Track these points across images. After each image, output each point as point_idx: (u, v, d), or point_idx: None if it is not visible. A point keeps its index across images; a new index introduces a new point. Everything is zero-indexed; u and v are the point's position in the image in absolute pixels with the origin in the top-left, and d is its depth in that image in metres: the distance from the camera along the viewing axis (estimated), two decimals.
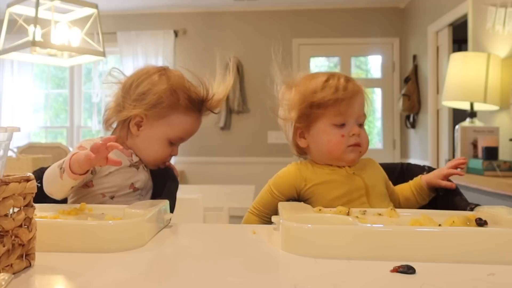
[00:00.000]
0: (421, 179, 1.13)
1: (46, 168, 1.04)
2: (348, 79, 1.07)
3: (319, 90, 1.05)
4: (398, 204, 1.15)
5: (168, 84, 1.09)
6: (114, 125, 1.17)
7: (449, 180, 1.10)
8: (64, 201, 1.11)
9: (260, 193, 1.13)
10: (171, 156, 1.14)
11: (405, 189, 1.16)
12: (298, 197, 1.08)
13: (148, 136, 1.10)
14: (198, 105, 1.12)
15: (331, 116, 1.05)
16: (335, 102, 1.04)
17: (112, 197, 1.09)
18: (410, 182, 1.16)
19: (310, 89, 1.06)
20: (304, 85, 1.07)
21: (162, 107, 1.08)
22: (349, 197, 1.04)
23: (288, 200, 1.09)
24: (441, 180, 1.10)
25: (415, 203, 1.14)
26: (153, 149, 1.11)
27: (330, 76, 1.07)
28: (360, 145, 1.07)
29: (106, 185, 1.08)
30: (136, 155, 1.14)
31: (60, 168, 0.95)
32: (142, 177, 1.14)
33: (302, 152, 1.13)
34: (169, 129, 1.10)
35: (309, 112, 1.06)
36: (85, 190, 1.08)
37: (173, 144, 1.13)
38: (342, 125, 1.06)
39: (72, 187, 0.98)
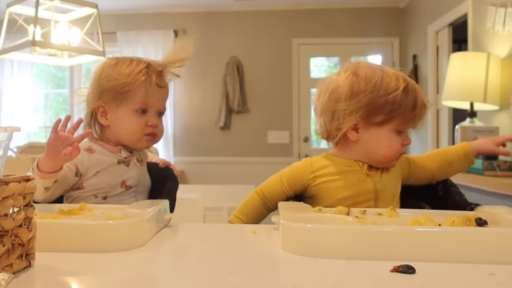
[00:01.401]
0: (470, 147, 1.13)
1: None
2: (419, 90, 1.05)
3: (399, 96, 1.00)
4: (430, 176, 1.14)
5: (104, 69, 1.12)
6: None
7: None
8: (63, 201, 1.11)
9: (270, 178, 1.11)
10: (150, 126, 1.11)
11: (450, 153, 1.15)
12: (305, 192, 1.08)
13: (117, 118, 1.11)
14: (143, 71, 1.10)
15: (398, 123, 1.03)
16: (409, 112, 1.02)
17: (104, 198, 1.09)
18: (457, 147, 1.15)
19: (386, 90, 1.01)
20: (380, 83, 1.01)
21: (114, 88, 1.09)
22: (356, 199, 1.03)
23: (294, 193, 1.09)
24: (495, 146, 1.10)
25: (455, 169, 1.14)
26: (125, 126, 1.10)
27: (407, 82, 1.03)
28: (405, 153, 1.08)
29: (96, 186, 1.08)
30: (126, 150, 1.13)
31: (32, 169, 0.97)
32: (134, 174, 1.13)
33: (331, 138, 1.08)
34: (130, 102, 1.10)
35: (377, 112, 1.01)
36: (76, 193, 1.08)
37: (143, 112, 1.10)
38: (401, 133, 1.04)
39: (46, 188, 0.97)
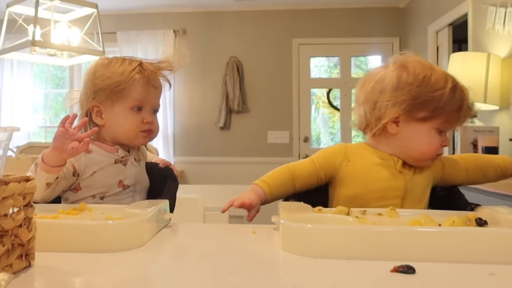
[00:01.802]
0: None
1: None
2: (467, 93, 1.03)
3: (446, 95, 0.99)
4: (462, 181, 1.12)
5: (97, 69, 1.13)
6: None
7: None
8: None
9: (300, 160, 1.10)
10: (146, 123, 1.12)
11: (492, 163, 1.11)
12: (335, 176, 1.06)
13: (112, 116, 1.11)
14: (137, 68, 1.12)
15: (441, 122, 1.01)
16: (454, 112, 1.01)
17: (102, 198, 1.09)
18: (498, 158, 1.12)
19: (434, 87, 0.99)
20: (428, 79, 0.99)
21: (109, 87, 1.09)
22: (384, 193, 1.02)
23: (325, 176, 1.06)
24: None
25: (487, 180, 1.13)
26: (121, 124, 1.11)
27: (456, 82, 1.02)
28: (441, 155, 1.06)
29: (94, 186, 1.08)
30: (123, 149, 1.13)
31: (35, 164, 0.98)
32: (131, 173, 1.13)
33: (368, 129, 1.07)
34: (125, 100, 1.10)
35: (422, 108, 1.00)
36: (75, 195, 1.08)
37: (138, 110, 1.11)
38: (441, 133, 1.03)
39: (48, 184, 0.98)
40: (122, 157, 1.12)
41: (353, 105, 1.11)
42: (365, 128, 1.08)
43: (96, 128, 1.08)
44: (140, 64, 1.12)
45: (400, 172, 1.04)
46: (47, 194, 1.01)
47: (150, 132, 1.14)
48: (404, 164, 1.05)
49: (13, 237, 0.60)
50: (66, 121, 0.95)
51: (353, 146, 1.09)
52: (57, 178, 1.00)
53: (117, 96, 1.10)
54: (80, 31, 3.21)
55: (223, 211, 1.00)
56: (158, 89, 1.16)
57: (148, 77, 1.12)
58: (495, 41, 2.70)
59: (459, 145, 2.49)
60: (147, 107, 1.13)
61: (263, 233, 0.87)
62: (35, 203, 0.67)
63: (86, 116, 1.13)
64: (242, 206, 0.98)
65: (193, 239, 0.89)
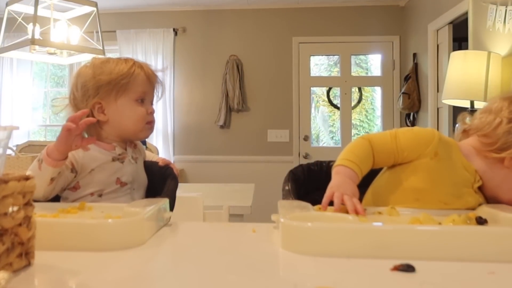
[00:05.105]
0: None
1: None
2: None
3: None
4: None
5: (96, 67, 1.13)
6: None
7: None
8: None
9: (379, 133, 1.03)
10: (150, 113, 1.16)
11: None
12: (414, 159, 0.98)
13: (117, 110, 1.13)
14: (136, 63, 1.16)
15: None
16: None
17: (100, 195, 1.09)
18: None
19: None
20: None
21: (114, 80, 1.11)
22: (451, 201, 0.96)
23: (400, 158, 0.99)
24: None
25: None
26: (129, 116, 1.13)
27: None
28: None
29: (92, 184, 1.09)
30: (120, 147, 1.14)
31: (38, 160, 0.98)
32: (128, 170, 1.13)
33: (480, 137, 0.99)
34: (130, 92, 1.13)
35: None
36: (74, 194, 1.09)
37: (141, 102, 1.15)
38: None
39: (52, 179, 0.98)
40: (119, 155, 1.13)
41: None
42: (475, 132, 1.01)
43: (93, 137, 1.07)
44: (135, 61, 1.16)
45: (476, 192, 0.99)
46: (49, 190, 1.01)
47: (153, 123, 1.18)
48: (480, 187, 1.00)
49: (12, 235, 0.60)
50: (74, 119, 0.95)
51: (446, 140, 1.01)
52: (59, 172, 1.01)
53: (122, 89, 1.12)
54: (80, 30, 3.20)
55: (324, 209, 0.89)
56: (154, 82, 1.20)
57: (147, 71, 1.16)
58: (495, 40, 2.69)
59: None
60: (148, 99, 1.17)
61: (263, 232, 0.87)
62: (36, 201, 0.68)
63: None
64: (356, 211, 0.85)
65: (193, 238, 0.89)
